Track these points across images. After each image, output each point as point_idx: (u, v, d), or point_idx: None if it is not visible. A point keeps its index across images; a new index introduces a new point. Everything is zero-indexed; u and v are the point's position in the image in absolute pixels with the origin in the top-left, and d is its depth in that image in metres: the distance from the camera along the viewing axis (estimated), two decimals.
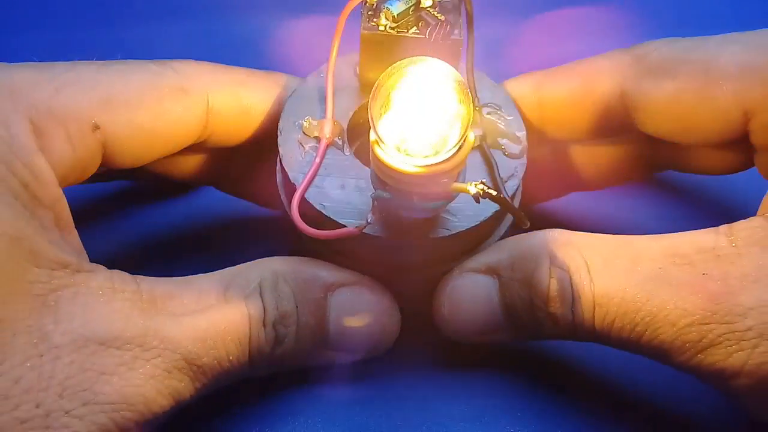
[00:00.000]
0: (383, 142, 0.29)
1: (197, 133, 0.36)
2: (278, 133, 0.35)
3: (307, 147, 0.35)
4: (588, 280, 0.31)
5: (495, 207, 0.33)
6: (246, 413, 0.36)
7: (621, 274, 0.31)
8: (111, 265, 0.31)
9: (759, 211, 0.32)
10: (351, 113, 0.36)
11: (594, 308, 0.31)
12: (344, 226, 0.32)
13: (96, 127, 0.32)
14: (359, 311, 0.34)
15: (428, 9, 0.33)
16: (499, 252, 0.34)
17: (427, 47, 0.33)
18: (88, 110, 0.32)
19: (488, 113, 0.36)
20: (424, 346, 0.38)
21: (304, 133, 0.35)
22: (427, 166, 0.29)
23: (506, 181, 0.34)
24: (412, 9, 0.33)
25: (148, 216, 0.44)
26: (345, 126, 0.35)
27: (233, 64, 0.37)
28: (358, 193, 0.33)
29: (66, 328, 0.27)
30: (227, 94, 0.36)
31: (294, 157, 0.34)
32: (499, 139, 0.35)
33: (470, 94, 0.29)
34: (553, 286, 0.32)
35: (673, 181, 0.46)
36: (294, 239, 0.34)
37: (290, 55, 0.42)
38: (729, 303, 0.29)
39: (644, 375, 0.36)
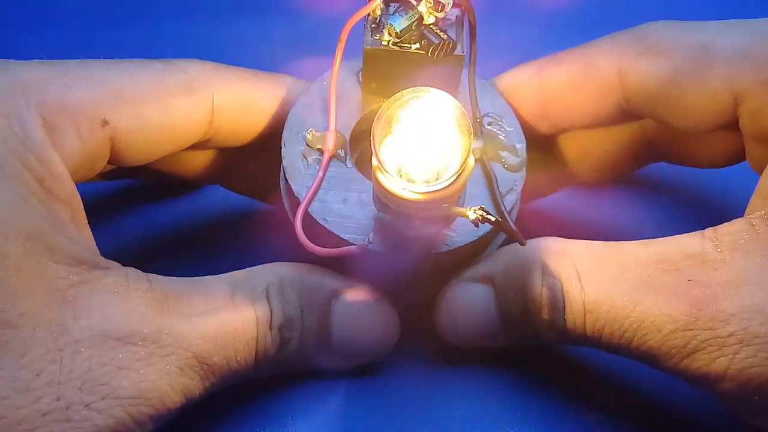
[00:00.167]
0: (385, 170, 0.29)
1: (203, 131, 0.36)
2: (282, 144, 0.35)
3: (310, 159, 0.35)
4: (579, 287, 0.32)
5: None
6: (246, 413, 0.36)
7: (610, 281, 0.31)
8: (118, 263, 0.31)
9: (746, 212, 0.33)
10: (353, 123, 0.36)
11: (585, 315, 0.32)
12: (346, 240, 0.33)
13: (105, 123, 0.32)
14: (361, 318, 0.34)
15: (431, 26, 0.33)
16: (495, 261, 0.35)
17: (429, 63, 0.34)
18: (97, 106, 0.32)
19: (489, 123, 0.36)
20: (424, 347, 0.38)
21: (307, 145, 0.35)
22: (427, 192, 0.29)
23: (505, 196, 0.34)
24: (414, 25, 0.33)
25: (153, 214, 0.44)
26: (347, 137, 0.36)
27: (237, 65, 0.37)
28: (360, 207, 0.34)
29: (85, 323, 0.28)
30: (232, 93, 0.36)
31: (297, 169, 0.35)
32: (499, 152, 0.36)
33: (471, 124, 0.29)
34: (545, 293, 0.32)
35: (663, 180, 0.46)
36: (298, 246, 0.34)
37: (294, 57, 0.43)
38: (712, 309, 0.29)
39: (644, 375, 0.35)
